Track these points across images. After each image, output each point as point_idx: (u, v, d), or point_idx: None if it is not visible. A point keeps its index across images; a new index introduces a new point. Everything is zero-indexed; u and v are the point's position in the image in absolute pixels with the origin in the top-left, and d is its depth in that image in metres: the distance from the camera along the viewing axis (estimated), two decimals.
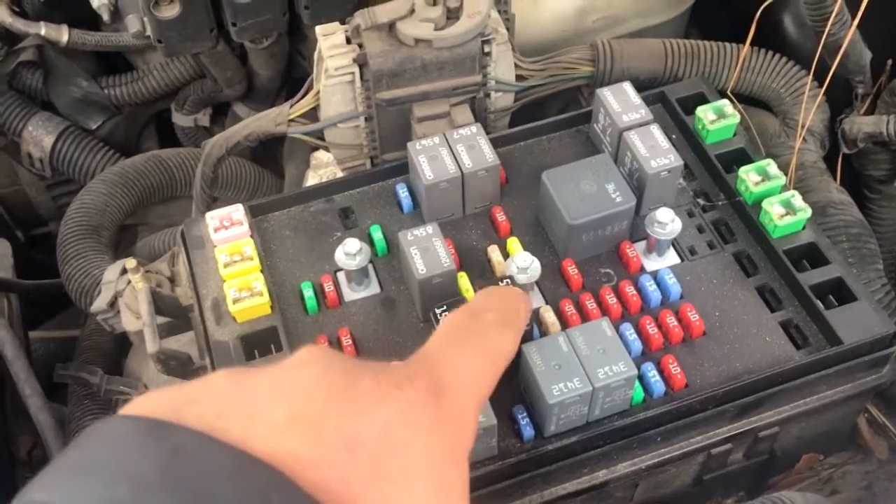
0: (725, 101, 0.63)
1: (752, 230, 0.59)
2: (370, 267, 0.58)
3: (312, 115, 0.67)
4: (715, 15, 0.90)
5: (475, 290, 0.55)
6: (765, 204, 0.57)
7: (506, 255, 0.57)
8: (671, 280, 0.55)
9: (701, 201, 0.61)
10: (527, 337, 0.50)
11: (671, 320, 0.54)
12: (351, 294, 0.58)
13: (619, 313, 0.55)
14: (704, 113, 0.62)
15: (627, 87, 0.61)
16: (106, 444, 0.28)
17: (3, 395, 0.82)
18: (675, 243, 0.58)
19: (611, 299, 0.55)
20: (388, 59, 0.61)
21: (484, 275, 0.57)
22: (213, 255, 0.57)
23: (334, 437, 0.29)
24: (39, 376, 0.77)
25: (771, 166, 0.59)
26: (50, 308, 1.00)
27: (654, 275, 0.56)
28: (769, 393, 0.52)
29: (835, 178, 0.75)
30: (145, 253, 0.86)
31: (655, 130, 0.59)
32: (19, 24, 0.89)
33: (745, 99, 0.76)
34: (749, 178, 0.58)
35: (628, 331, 0.53)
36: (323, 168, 0.79)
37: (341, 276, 0.58)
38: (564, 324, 0.54)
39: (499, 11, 0.66)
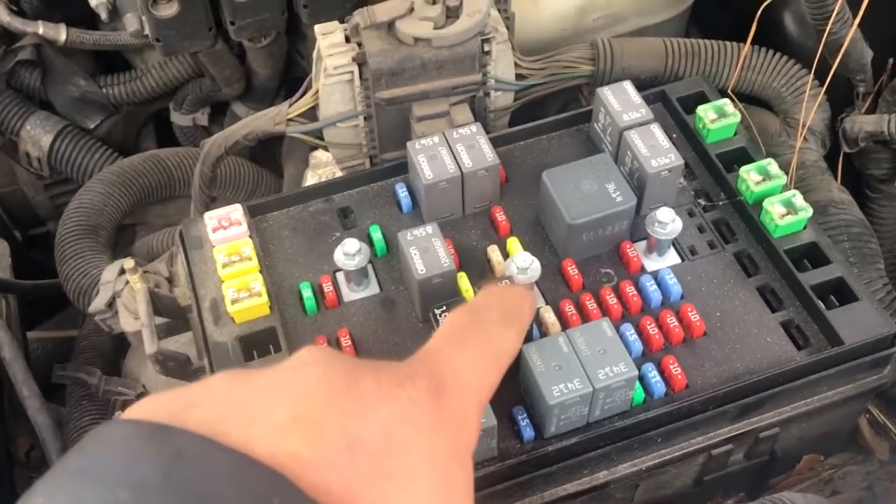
0: (726, 101, 0.62)
1: (752, 230, 0.59)
2: (369, 267, 0.58)
3: (311, 114, 0.67)
4: (715, 14, 0.90)
5: (475, 291, 0.55)
6: (766, 203, 0.57)
7: (506, 255, 0.57)
8: (672, 280, 0.55)
9: (702, 201, 0.61)
10: (527, 337, 0.50)
11: (672, 320, 0.53)
12: (350, 294, 0.57)
13: (620, 313, 0.55)
14: (705, 112, 0.62)
15: (628, 86, 0.61)
16: (107, 448, 0.27)
17: (2, 395, 0.82)
18: (675, 243, 0.58)
19: (611, 299, 0.55)
20: (388, 58, 0.61)
21: (484, 275, 0.57)
22: (212, 256, 0.57)
23: (335, 437, 0.29)
24: (37, 377, 0.77)
25: (772, 166, 0.59)
26: (48, 308, 1.00)
27: (655, 275, 0.56)
28: (770, 393, 0.52)
29: (836, 178, 0.75)
30: (143, 253, 0.86)
31: (656, 130, 0.58)
32: (17, 23, 0.88)
33: (746, 98, 0.76)
34: (750, 177, 0.58)
35: (629, 331, 0.53)
36: (322, 167, 0.78)
37: (340, 276, 0.58)
38: (565, 324, 0.54)
39: (498, 10, 0.66)
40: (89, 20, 0.92)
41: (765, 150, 0.71)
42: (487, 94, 0.67)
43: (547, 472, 0.50)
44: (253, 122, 0.68)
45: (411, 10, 0.61)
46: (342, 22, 0.64)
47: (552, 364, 0.48)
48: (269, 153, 1.00)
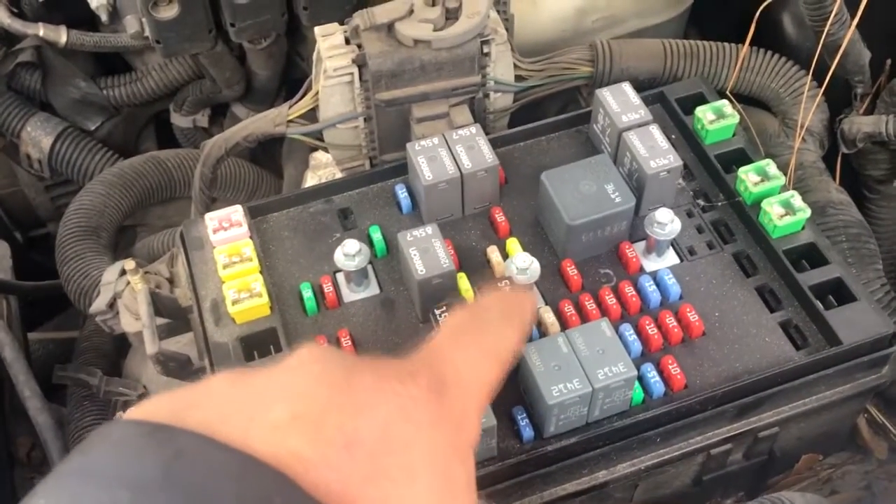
0: (725, 102, 0.63)
1: (751, 230, 0.59)
2: (369, 268, 0.58)
3: (311, 115, 0.67)
4: (714, 15, 0.90)
5: (475, 291, 0.55)
6: (764, 204, 0.57)
7: (505, 256, 0.57)
8: (671, 280, 0.55)
9: (700, 202, 0.61)
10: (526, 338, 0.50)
11: (671, 321, 0.54)
12: (350, 295, 0.58)
13: (619, 314, 0.55)
14: (704, 113, 0.62)
15: (627, 87, 0.61)
16: (108, 448, 0.28)
17: (3, 396, 0.82)
18: (674, 244, 0.58)
19: (610, 300, 0.55)
20: (387, 60, 0.61)
21: (483, 275, 0.57)
22: (213, 257, 0.57)
23: (334, 436, 0.29)
24: (38, 377, 0.77)
25: (770, 166, 0.59)
26: (49, 309, 1.00)
27: (654, 275, 0.56)
28: (769, 393, 0.52)
29: (834, 178, 0.75)
30: (144, 254, 0.86)
31: (655, 131, 0.59)
32: (18, 25, 0.89)
33: (745, 99, 0.76)
34: (748, 178, 0.58)
35: (628, 331, 0.53)
36: (322, 169, 0.79)
37: (340, 276, 0.58)
38: (564, 324, 0.54)
39: (498, 12, 0.66)
40: (90, 22, 0.92)
41: (763, 151, 0.72)
42: (487, 96, 0.67)
43: (546, 472, 0.51)
44: (253, 124, 0.68)
45: (411, 11, 0.61)
46: (342, 24, 0.64)
47: (551, 364, 0.48)
48: (269, 154, 1.00)
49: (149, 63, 0.98)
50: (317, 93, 0.65)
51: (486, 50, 0.63)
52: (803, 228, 0.58)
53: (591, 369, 0.48)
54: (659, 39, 0.76)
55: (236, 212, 0.59)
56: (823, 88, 0.73)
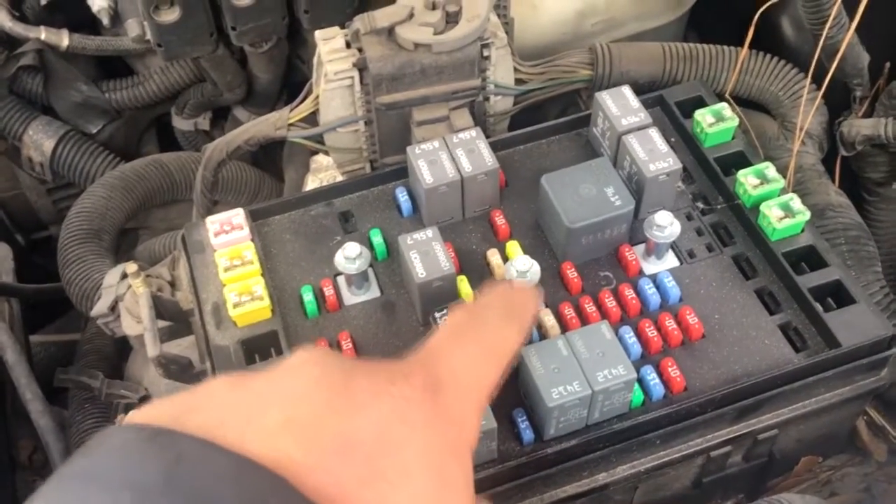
0: (724, 105, 0.63)
1: (750, 233, 0.59)
2: (370, 271, 0.58)
3: (312, 119, 0.67)
4: (713, 18, 0.91)
5: (475, 294, 0.55)
6: (763, 207, 0.57)
7: (505, 259, 0.58)
8: (670, 283, 0.55)
9: (700, 204, 0.61)
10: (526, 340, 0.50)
11: (670, 323, 0.54)
12: (351, 298, 0.58)
13: (619, 316, 0.55)
14: (703, 116, 0.62)
15: (626, 90, 0.62)
16: (109, 452, 0.28)
17: (4, 399, 0.83)
18: (673, 246, 0.58)
19: (610, 302, 0.55)
20: (388, 64, 0.61)
21: (483, 278, 0.58)
22: (214, 260, 0.57)
23: (328, 439, 0.29)
24: (40, 380, 0.77)
25: (769, 169, 0.59)
26: (50, 312, 1.00)
27: (654, 278, 0.56)
28: (768, 396, 0.52)
29: (833, 181, 0.75)
30: (146, 257, 0.86)
31: (654, 134, 0.59)
32: (19, 29, 0.89)
33: (744, 102, 0.76)
34: (748, 181, 0.58)
35: (627, 334, 0.53)
36: (323, 172, 0.79)
37: (341, 279, 0.58)
38: (564, 327, 0.54)
39: (498, 15, 0.66)
40: (91, 25, 0.92)
41: (762, 154, 0.72)
42: (487, 99, 0.67)
43: (546, 475, 0.51)
44: (254, 127, 0.68)
45: (411, 15, 0.61)
46: (343, 27, 0.64)
47: (551, 367, 0.49)
48: (270, 157, 1.01)
49: (150, 66, 0.98)
50: (317, 96, 0.65)
51: (486, 53, 0.63)
52: (802, 231, 0.58)
53: (591, 372, 0.48)
54: (658, 43, 0.76)
55: (237, 215, 0.59)
56: (822, 91, 0.73)
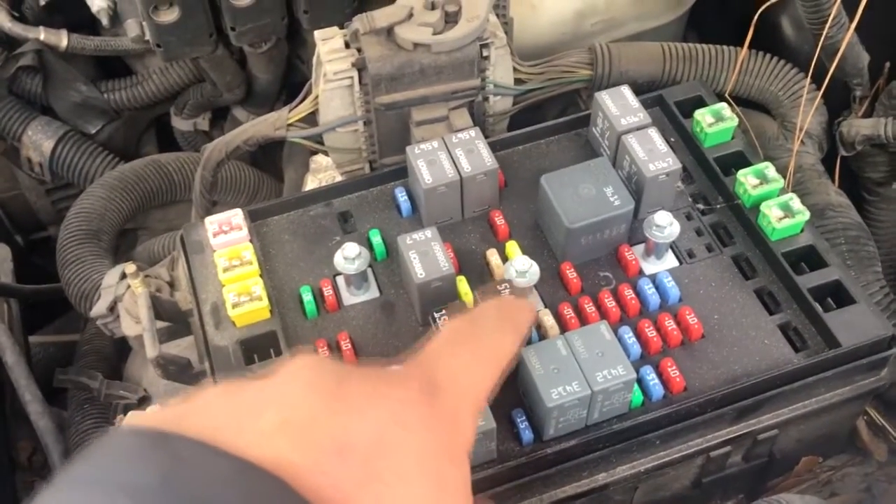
0: (723, 105, 0.63)
1: (750, 233, 0.59)
2: (369, 271, 0.58)
3: (311, 119, 0.67)
4: (713, 18, 0.91)
5: (474, 294, 0.55)
6: (763, 207, 0.57)
7: (504, 259, 0.58)
8: (670, 283, 0.55)
9: (699, 204, 0.61)
10: (525, 341, 0.50)
11: (670, 323, 0.54)
12: (350, 298, 0.58)
13: (618, 316, 0.55)
14: (703, 116, 0.62)
15: (626, 90, 0.61)
16: (107, 456, 0.28)
17: (3, 399, 0.83)
18: (673, 246, 0.58)
19: (609, 303, 0.55)
20: (387, 64, 0.61)
21: (483, 278, 0.58)
22: (213, 260, 0.57)
23: (324, 441, 0.29)
24: (39, 381, 0.77)
25: (769, 169, 0.59)
26: (50, 313, 1.00)
27: (653, 278, 0.56)
28: (768, 396, 0.52)
29: (833, 181, 0.75)
30: (145, 257, 0.86)
31: (654, 134, 0.59)
32: (18, 29, 0.89)
33: (744, 102, 0.76)
34: (747, 180, 0.58)
35: (627, 334, 0.53)
36: (322, 172, 0.79)
37: (340, 280, 0.58)
38: (563, 327, 0.54)
39: (497, 15, 0.66)
40: (90, 26, 0.93)
41: (762, 154, 0.72)
42: (486, 99, 0.67)
43: (546, 475, 0.51)
44: (253, 127, 0.68)
45: (410, 15, 0.61)
46: (342, 27, 0.64)
47: (551, 367, 0.48)
48: (269, 158, 1.01)
49: (149, 67, 0.98)
50: (317, 96, 0.65)
51: (485, 53, 0.63)
52: (802, 231, 0.58)
53: (591, 372, 0.48)
54: (658, 43, 0.76)
55: (236, 215, 0.59)
56: (822, 91, 0.73)
